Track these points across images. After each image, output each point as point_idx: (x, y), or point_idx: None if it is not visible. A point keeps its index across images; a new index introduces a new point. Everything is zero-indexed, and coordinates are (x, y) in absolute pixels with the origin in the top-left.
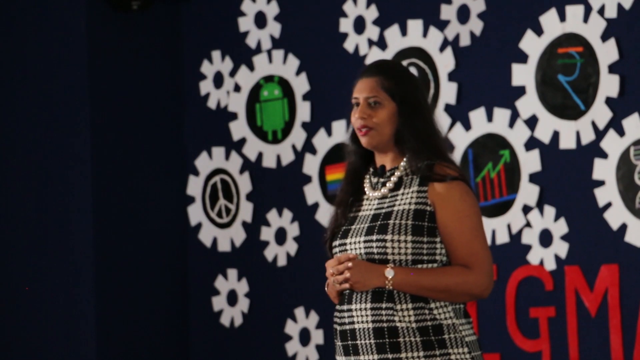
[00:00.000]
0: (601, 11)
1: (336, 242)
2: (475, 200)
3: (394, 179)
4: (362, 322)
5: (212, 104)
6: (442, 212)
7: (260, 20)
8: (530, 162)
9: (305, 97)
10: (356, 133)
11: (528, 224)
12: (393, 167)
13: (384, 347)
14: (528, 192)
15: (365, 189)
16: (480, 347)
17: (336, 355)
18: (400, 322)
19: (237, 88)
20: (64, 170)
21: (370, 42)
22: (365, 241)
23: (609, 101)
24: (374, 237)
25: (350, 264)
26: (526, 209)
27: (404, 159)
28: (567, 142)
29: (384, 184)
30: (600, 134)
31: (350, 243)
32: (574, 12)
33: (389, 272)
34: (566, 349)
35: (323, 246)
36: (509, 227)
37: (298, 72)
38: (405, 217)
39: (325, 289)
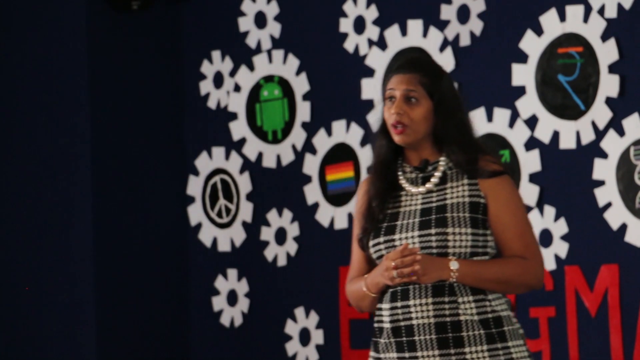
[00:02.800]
0: (601, 11)
1: (380, 239)
2: (520, 193)
3: (438, 173)
4: (422, 317)
5: (212, 104)
6: (495, 205)
7: (260, 20)
8: (530, 162)
9: (305, 97)
10: (388, 128)
11: None
12: (434, 162)
13: (446, 342)
14: (528, 192)
15: (404, 185)
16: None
17: (376, 352)
18: (464, 315)
19: (237, 88)
20: (64, 170)
21: (370, 42)
22: (421, 235)
23: (609, 101)
24: (433, 231)
25: (418, 257)
26: (526, 209)
27: (443, 154)
28: (567, 142)
29: (426, 179)
30: (600, 134)
31: (400, 239)
32: (574, 12)
33: (454, 265)
34: (566, 349)
35: (358, 242)
36: None
37: (298, 72)
38: (461, 210)
39: (355, 287)
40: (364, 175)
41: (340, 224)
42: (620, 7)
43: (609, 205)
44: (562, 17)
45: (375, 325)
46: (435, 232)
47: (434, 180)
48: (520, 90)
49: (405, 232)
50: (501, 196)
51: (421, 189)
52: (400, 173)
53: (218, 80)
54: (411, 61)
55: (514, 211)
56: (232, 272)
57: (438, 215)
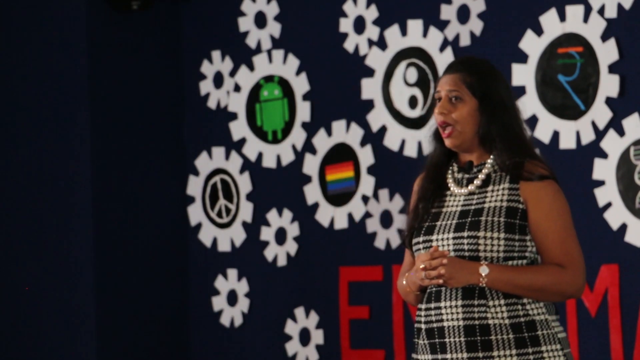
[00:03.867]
0: (601, 11)
1: (419, 239)
2: (566, 200)
3: (482, 175)
4: (452, 319)
5: (212, 104)
6: (535, 211)
7: (260, 20)
8: None
9: (305, 97)
10: (439, 131)
11: None
12: (480, 164)
13: (475, 345)
14: None
15: (450, 185)
16: (569, 344)
17: (416, 354)
18: (493, 319)
19: (237, 88)
20: (64, 170)
21: (370, 42)
22: (454, 237)
23: (609, 101)
24: (465, 234)
25: (445, 261)
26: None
27: (491, 156)
28: (567, 142)
29: (470, 181)
30: (600, 134)
31: (437, 240)
32: (574, 12)
33: (484, 270)
34: None
35: (402, 242)
36: None
37: (298, 72)
38: (497, 214)
39: (401, 283)
40: (364, 175)
41: (340, 224)
42: (620, 7)
43: (609, 205)
44: (562, 17)
45: (415, 325)
46: (468, 235)
47: (477, 182)
48: (520, 90)
49: (442, 233)
50: (542, 202)
51: (464, 190)
52: (449, 173)
53: (218, 80)
54: (458, 62)
55: (555, 218)
56: (232, 272)
57: (473, 218)
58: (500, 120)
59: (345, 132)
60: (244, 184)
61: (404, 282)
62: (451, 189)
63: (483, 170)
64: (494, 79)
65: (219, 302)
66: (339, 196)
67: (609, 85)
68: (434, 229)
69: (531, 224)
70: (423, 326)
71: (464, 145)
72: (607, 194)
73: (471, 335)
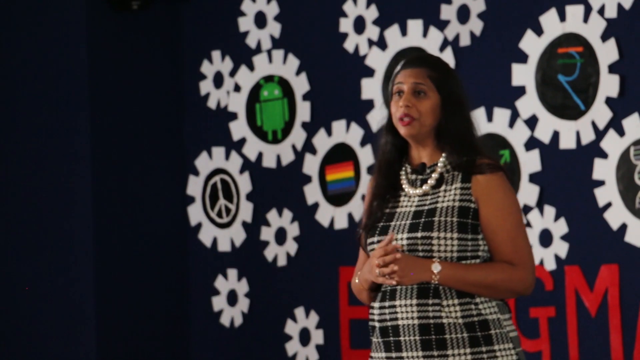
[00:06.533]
0: (601, 11)
1: (374, 239)
2: (516, 195)
3: (435, 175)
4: (407, 318)
5: (212, 104)
6: (486, 209)
7: (260, 20)
8: (530, 162)
9: (305, 97)
10: (394, 123)
11: (528, 224)
12: (432, 164)
13: (429, 344)
14: (528, 192)
15: (403, 186)
16: (520, 343)
17: (372, 352)
18: (447, 318)
19: (237, 88)
20: (64, 170)
21: (370, 42)
22: (408, 238)
23: (609, 101)
24: (419, 234)
25: (398, 255)
26: (526, 209)
27: (442, 155)
28: (567, 142)
29: (424, 181)
30: (600, 134)
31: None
32: (574, 12)
33: (436, 267)
34: (566, 349)
35: (357, 241)
36: None
37: (298, 72)
38: (450, 214)
39: (354, 281)
40: (364, 175)
41: (340, 224)
42: (620, 7)
43: (609, 205)
44: (562, 17)
45: (369, 323)
46: (421, 235)
47: (430, 182)
48: (520, 90)
49: (396, 233)
50: (492, 199)
51: (418, 190)
52: (402, 173)
53: (218, 80)
54: (419, 57)
55: (505, 215)
56: (232, 272)
57: (427, 218)
58: (459, 118)
59: (345, 132)
60: (244, 184)
61: (357, 281)
62: (405, 189)
63: (436, 170)
64: (454, 78)
65: (219, 302)
66: (339, 196)
67: (609, 85)
68: (389, 229)
69: (482, 221)
70: (377, 324)
71: (419, 137)
72: (607, 194)
73: (426, 334)
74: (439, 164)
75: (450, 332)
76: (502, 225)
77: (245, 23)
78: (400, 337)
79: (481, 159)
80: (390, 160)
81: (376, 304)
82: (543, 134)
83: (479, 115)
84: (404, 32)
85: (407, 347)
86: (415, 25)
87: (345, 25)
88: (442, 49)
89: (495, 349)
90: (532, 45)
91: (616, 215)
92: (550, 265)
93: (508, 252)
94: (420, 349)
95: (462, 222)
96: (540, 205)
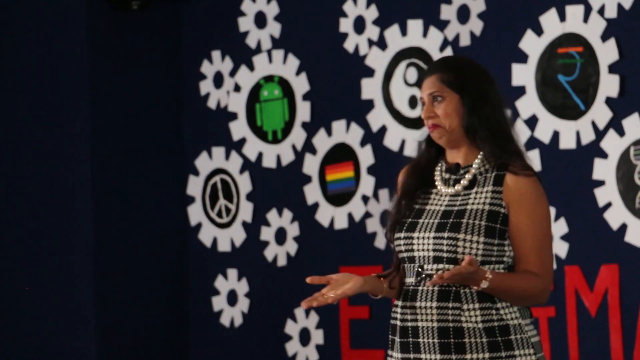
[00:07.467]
0: (601, 11)
1: (401, 234)
2: (548, 203)
3: (468, 176)
4: (427, 320)
5: (212, 104)
6: (517, 215)
7: (260, 20)
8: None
9: (305, 97)
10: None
11: None
12: (467, 165)
13: (448, 347)
14: None
15: (437, 183)
16: (542, 349)
17: (390, 350)
18: (466, 322)
19: (237, 88)
20: (64, 171)
21: (370, 42)
22: (435, 237)
23: (609, 101)
24: (445, 235)
25: (472, 269)
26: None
27: (479, 156)
28: (567, 142)
29: (457, 181)
30: (600, 134)
31: (417, 237)
32: (574, 12)
33: (484, 283)
34: (566, 349)
35: (385, 235)
36: None
37: (298, 72)
38: (478, 218)
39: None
40: (364, 175)
41: (340, 224)
42: (620, 7)
43: (609, 205)
44: (562, 17)
45: (391, 321)
46: (448, 236)
47: (463, 182)
48: (520, 90)
49: (423, 231)
50: (525, 205)
51: (450, 190)
52: (437, 171)
53: (218, 80)
54: (433, 64)
55: (535, 223)
56: (232, 272)
57: (455, 220)
58: (482, 111)
59: (345, 132)
60: (244, 184)
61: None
62: (438, 187)
63: (470, 171)
64: (473, 72)
65: (219, 302)
66: (339, 196)
67: (609, 85)
68: (416, 226)
69: (511, 227)
70: (399, 323)
71: (451, 141)
72: (607, 194)
73: (444, 337)
74: (474, 165)
75: (470, 337)
76: (532, 233)
77: (245, 23)
78: (420, 339)
79: (515, 163)
80: (427, 159)
81: (399, 303)
82: (543, 134)
83: None
84: (404, 32)
85: (426, 349)
86: (415, 25)
87: (345, 25)
88: (442, 49)
89: (515, 354)
90: (532, 45)
91: (616, 215)
92: None
93: (533, 261)
94: (438, 351)
95: (489, 227)
96: None
